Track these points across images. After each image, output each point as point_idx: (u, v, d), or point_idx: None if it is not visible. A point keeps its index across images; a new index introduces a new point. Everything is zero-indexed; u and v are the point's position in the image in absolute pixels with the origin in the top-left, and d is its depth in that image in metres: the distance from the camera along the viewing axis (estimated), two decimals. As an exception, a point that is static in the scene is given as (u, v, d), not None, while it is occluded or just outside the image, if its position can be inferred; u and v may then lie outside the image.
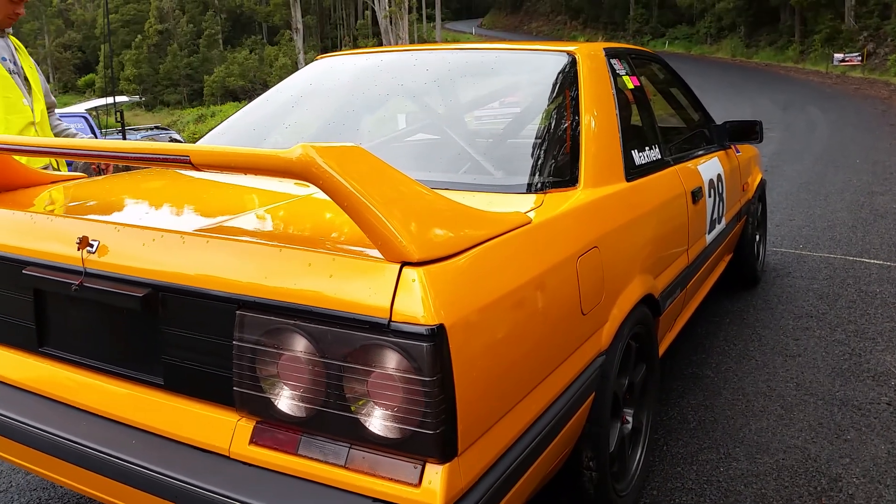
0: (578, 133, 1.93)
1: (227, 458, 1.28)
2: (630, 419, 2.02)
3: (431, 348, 1.10)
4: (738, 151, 3.49)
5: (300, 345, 1.19)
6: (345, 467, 1.18)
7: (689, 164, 2.63)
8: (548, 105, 2.10)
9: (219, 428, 1.30)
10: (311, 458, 1.21)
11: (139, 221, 1.49)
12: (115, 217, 1.55)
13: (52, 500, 2.14)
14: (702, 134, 3.18)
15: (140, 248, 1.39)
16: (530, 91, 2.27)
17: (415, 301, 1.11)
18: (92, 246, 1.44)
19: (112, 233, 1.45)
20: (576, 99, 2.01)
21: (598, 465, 1.74)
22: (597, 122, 1.99)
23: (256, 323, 1.22)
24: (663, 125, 2.70)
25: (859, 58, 24.73)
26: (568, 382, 1.55)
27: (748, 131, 3.18)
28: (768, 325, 3.49)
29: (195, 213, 1.63)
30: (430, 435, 1.12)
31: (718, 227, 2.94)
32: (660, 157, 2.35)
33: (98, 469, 1.36)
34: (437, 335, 1.10)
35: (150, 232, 1.41)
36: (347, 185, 1.11)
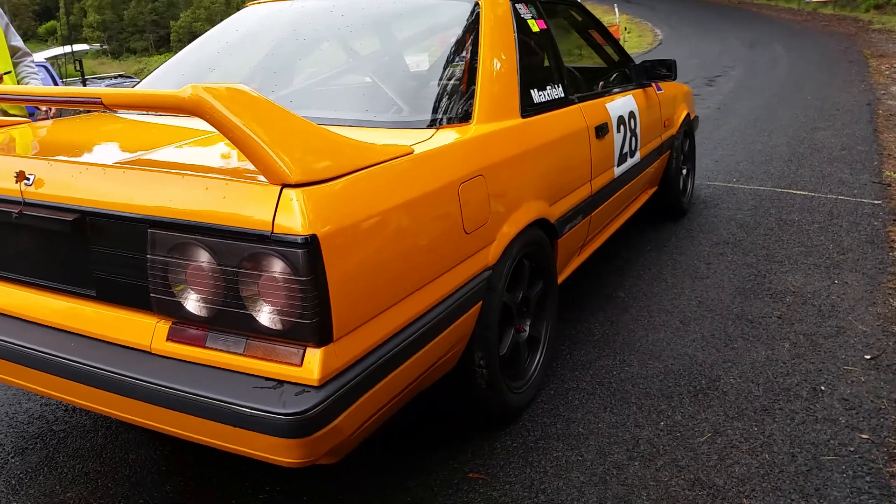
0: (476, 74, 2.14)
1: (150, 353, 1.53)
2: (527, 328, 2.30)
3: (305, 254, 1.34)
4: (659, 89, 3.71)
5: (202, 256, 1.43)
6: (243, 355, 1.44)
7: (597, 101, 2.85)
8: (451, 48, 2.30)
9: (141, 329, 1.55)
10: (217, 349, 1.46)
11: (69, 157, 1.70)
12: (49, 154, 1.75)
13: (18, 413, 2.39)
14: (621, 73, 3.38)
15: (69, 179, 1.61)
16: (436, 35, 2.47)
17: (293, 216, 1.35)
18: (28, 179, 1.65)
19: (45, 167, 1.66)
20: (476, 41, 2.22)
21: (488, 363, 2.01)
22: (494, 63, 2.20)
23: (165, 239, 1.46)
24: (575, 66, 2.90)
25: (831, -7, 24.68)
26: (451, 290, 1.80)
27: (663, 70, 3.40)
28: (685, 252, 3.77)
29: (119, 149, 1.84)
30: (308, 324, 1.37)
31: (631, 161, 3.18)
32: (563, 95, 2.57)
33: (45, 368, 1.61)
34: (311, 243, 1.34)
35: (78, 165, 1.62)
36: (232, 117, 1.32)
